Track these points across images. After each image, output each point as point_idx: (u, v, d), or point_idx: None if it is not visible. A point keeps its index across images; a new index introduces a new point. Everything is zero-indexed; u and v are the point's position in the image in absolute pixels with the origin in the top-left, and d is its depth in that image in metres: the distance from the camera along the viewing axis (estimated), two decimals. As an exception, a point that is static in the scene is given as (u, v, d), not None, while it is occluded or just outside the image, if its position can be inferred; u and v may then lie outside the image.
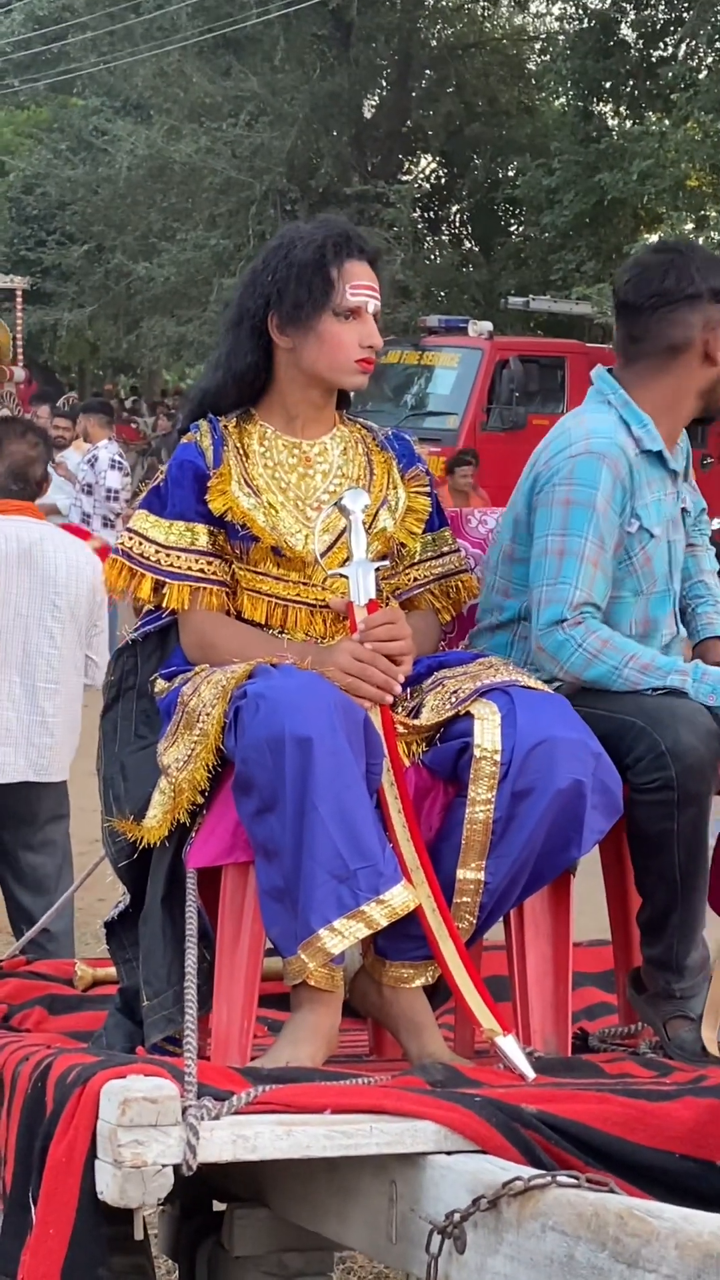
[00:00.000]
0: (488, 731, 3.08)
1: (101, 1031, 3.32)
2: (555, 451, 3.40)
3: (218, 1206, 3.32)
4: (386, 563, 3.36)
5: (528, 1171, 2.40)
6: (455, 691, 3.17)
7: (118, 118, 26.09)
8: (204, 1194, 3.31)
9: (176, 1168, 2.51)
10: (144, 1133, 2.49)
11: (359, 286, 3.29)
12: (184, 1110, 2.53)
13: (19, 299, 25.87)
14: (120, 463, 13.86)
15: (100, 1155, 2.54)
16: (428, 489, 3.47)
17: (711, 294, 3.40)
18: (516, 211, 25.97)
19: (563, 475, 3.35)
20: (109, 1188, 2.51)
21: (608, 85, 23.36)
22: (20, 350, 25.78)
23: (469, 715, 3.11)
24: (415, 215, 23.98)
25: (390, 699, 3.16)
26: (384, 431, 3.50)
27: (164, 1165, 2.49)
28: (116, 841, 3.28)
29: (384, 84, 26.42)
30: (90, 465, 13.78)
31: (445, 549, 3.50)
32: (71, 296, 26.48)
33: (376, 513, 3.36)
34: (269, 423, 3.38)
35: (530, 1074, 2.91)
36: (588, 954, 3.79)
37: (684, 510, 3.56)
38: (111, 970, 3.65)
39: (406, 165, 26.88)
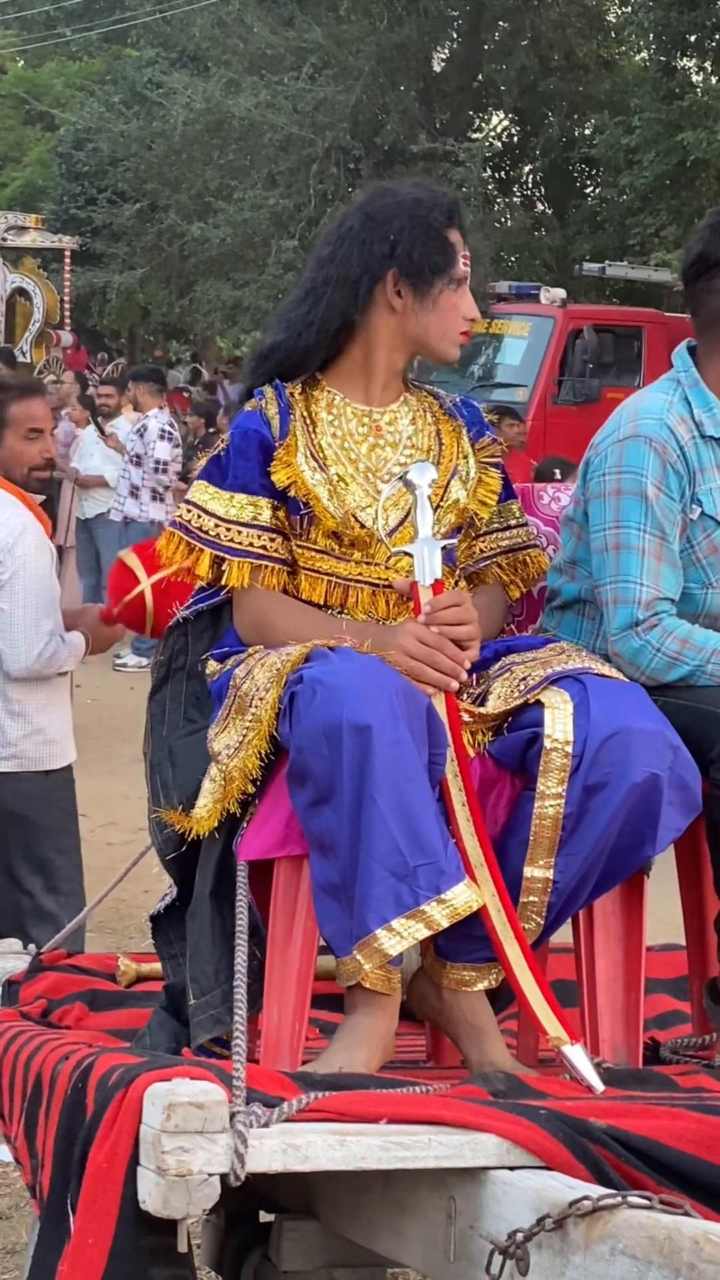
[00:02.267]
0: (559, 721, 3.06)
1: (145, 1031, 3.32)
2: (606, 435, 3.40)
3: (264, 1217, 3.32)
4: (454, 541, 3.34)
5: (597, 1190, 2.38)
6: (524, 679, 3.14)
7: (174, 69, 26.07)
8: (250, 1204, 3.31)
9: (223, 1177, 2.50)
10: (189, 1139, 2.48)
11: (465, 258, 3.37)
12: (232, 1117, 2.52)
13: (67, 260, 25.97)
14: (170, 433, 13.87)
15: (143, 1162, 2.54)
16: (498, 459, 3.47)
17: None
18: (593, 172, 25.83)
19: (611, 462, 3.34)
20: (151, 1197, 2.50)
21: (692, 39, 23.12)
22: (68, 314, 25.90)
23: (539, 704, 3.09)
24: (486, 175, 23.86)
25: (456, 685, 3.13)
26: (451, 399, 3.48)
27: (210, 1174, 2.49)
28: (164, 832, 3.28)
29: (454, 36, 26.32)
30: (139, 435, 13.81)
31: (512, 521, 3.49)
32: (122, 258, 26.51)
33: (448, 484, 3.34)
34: (338, 389, 3.37)
35: (599, 1086, 2.89)
36: (660, 959, 3.75)
37: None
38: (157, 966, 3.64)
39: (477, 122, 26.77)
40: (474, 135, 25.25)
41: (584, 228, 24.63)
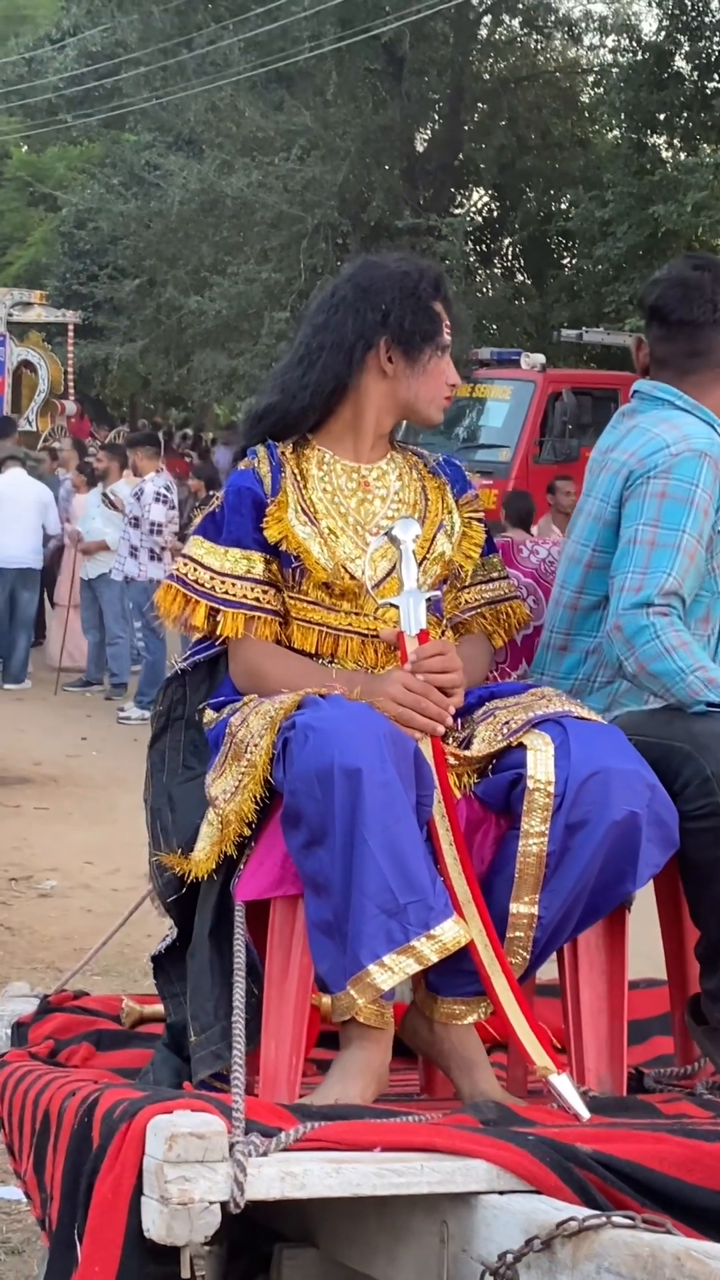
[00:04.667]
0: (541, 762, 3.06)
1: (148, 1068, 3.30)
2: (652, 450, 3.38)
3: (266, 1246, 3.29)
4: (438, 593, 3.35)
5: (582, 1212, 2.37)
6: (507, 722, 3.15)
7: (170, 152, 26.23)
8: (251, 1233, 3.28)
9: (224, 1205, 2.48)
10: (191, 1169, 2.47)
11: (448, 327, 3.41)
12: (231, 1146, 2.51)
13: (71, 333, 26.11)
14: (166, 496, 13.89)
15: (146, 1191, 2.52)
16: (481, 514, 3.51)
17: None
18: (569, 244, 25.97)
19: (660, 469, 3.35)
20: (155, 1225, 2.49)
21: (662, 117, 23.34)
22: (72, 384, 26.03)
23: (521, 746, 3.09)
24: (467, 248, 24.00)
25: (442, 730, 3.14)
26: (434, 458, 3.52)
27: (211, 1202, 2.47)
28: (164, 874, 3.27)
29: (436, 117, 26.51)
30: (137, 498, 13.84)
31: (495, 574, 3.52)
32: (123, 331, 26.62)
33: (434, 538, 3.36)
34: (328, 448, 3.38)
35: (585, 1114, 2.88)
36: (645, 996, 3.74)
37: None
38: (159, 1007, 3.63)
39: (459, 198, 26.93)
40: (456, 210, 25.40)
41: (561, 296, 24.75)
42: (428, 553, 3.32)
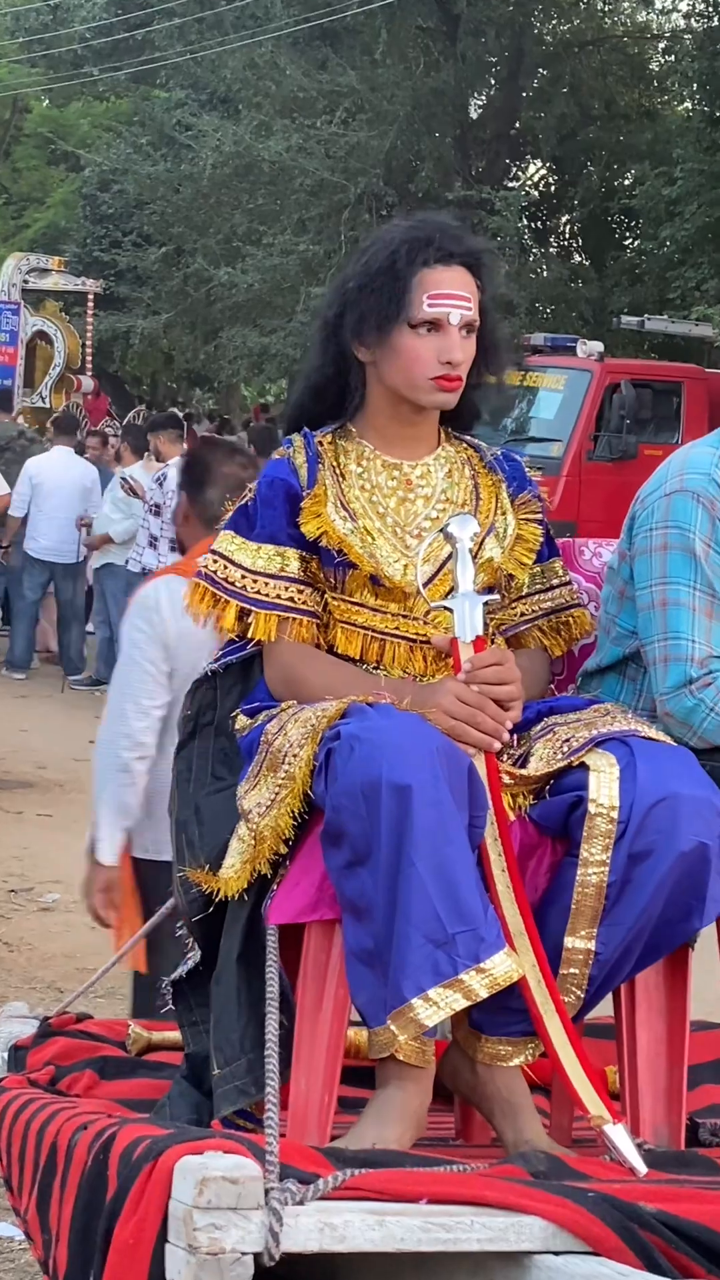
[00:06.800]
0: (604, 785, 3.03)
1: (165, 1101, 3.29)
2: (652, 489, 3.40)
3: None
4: (496, 596, 3.32)
5: (646, 1278, 2.34)
6: (568, 740, 3.12)
7: (203, 112, 26.30)
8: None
9: (257, 1256, 2.47)
10: (223, 1216, 2.44)
11: (439, 296, 3.25)
12: (267, 1193, 2.49)
13: (90, 304, 26.15)
14: (190, 482, 13.90)
15: (172, 1239, 2.50)
16: (539, 515, 3.43)
17: None
18: (633, 224, 25.95)
19: (658, 517, 3.35)
20: (181, 1276, 2.46)
21: (737, 89, 23.33)
22: (90, 359, 26.06)
23: (583, 766, 3.07)
24: (522, 225, 24.00)
25: (498, 746, 3.11)
26: (493, 451, 3.46)
27: (244, 1253, 2.45)
28: (189, 893, 3.25)
29: (492, 82, 26.53)
30: (159, 484, 13.84)
31: (555, 581, 3.46)
32: (146, 302, 26.67)
33: (483, 541, 3.32)
34: (369, 441, 3.36)
35: (642, 1169, 2.85)
36: (696, 1040, 3.71)
37: None
38: (169, 1034, 3.61)
39: (514, 171, 26.95)
40: (510, 184, 25.41)
41: (622, 280, 24.71)
42: (475, 557, 3.27)
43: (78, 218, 29.99)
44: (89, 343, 25.98)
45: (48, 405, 24.00)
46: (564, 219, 27.55)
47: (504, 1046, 3.10)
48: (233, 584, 3.31)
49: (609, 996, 3.15)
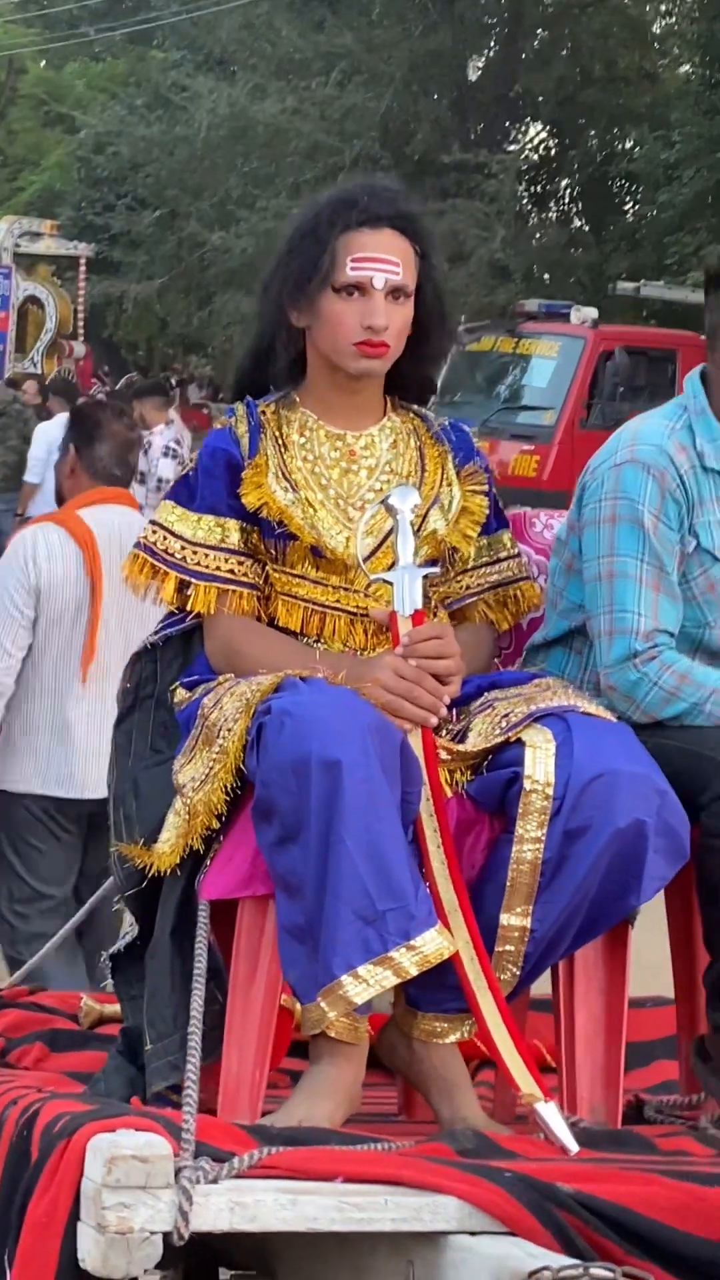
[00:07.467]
0: (540, 762, 3.03)
1: (100, 1075, 3.29)
2: (602, 459, 3.37)
3: (224, 1274, 3.29)
4: (437, 569, 3.31)
5: (558, 1259, 2.36)
6: (506, 715, 3.12)
7: (199, 73, 26.17)
8: (209, 1260, 3.28)
9: (166, 1235, 2.47)
10: (131, 1195, 2.46)
11: (363, 259, 3.22)
12: (177, 1172, 2.49)
13: (83, 268, 26.07)
14: (176, 450, 13.90)
15: (83, 1217, 2.51)
16: (485, 487, 3.41)
17: None
18: (632, 188, 25.87)
19: (608, 488, 3.32)
20: (90, 1255, 2.48)
21: (738, 52, 23.22)
22: (82, 324, 25.98)
23: (520, 742, 3.06)
24: (519, 189, 23.94)
25: (434, 722, 3.11)
26: (440, 421, 3.44)
27: (152, 1232, 2.46)
28: (124, 868, 3.25)
29: (491, 44, 26.39)
30: (144, 453, 13.83)
31: (503, 554, 3.44)
32: (140, 267, 26.59)
33: (427, 513, 3.30)
34: (312, 410, 3.34)
35: (573, 1147, 2.86)
36: (649, 1016, 3.72)
37: None
38: (119, 1007, 3.61)
39: (512, 134, 26.81)
40: (509, 147, 25.31)
41: (620, 245, 24.64)
42: (418, 530, 3.26)
43: (72, 181, 29.89)
44: (81, 308, 25.91)
45: (39, 371, 23.94)
46: (563, 183, 27.42)
47: (439, 1023, 3.10)
48: (172, 555, 3.30)
49: (547, 974, 3.16)
